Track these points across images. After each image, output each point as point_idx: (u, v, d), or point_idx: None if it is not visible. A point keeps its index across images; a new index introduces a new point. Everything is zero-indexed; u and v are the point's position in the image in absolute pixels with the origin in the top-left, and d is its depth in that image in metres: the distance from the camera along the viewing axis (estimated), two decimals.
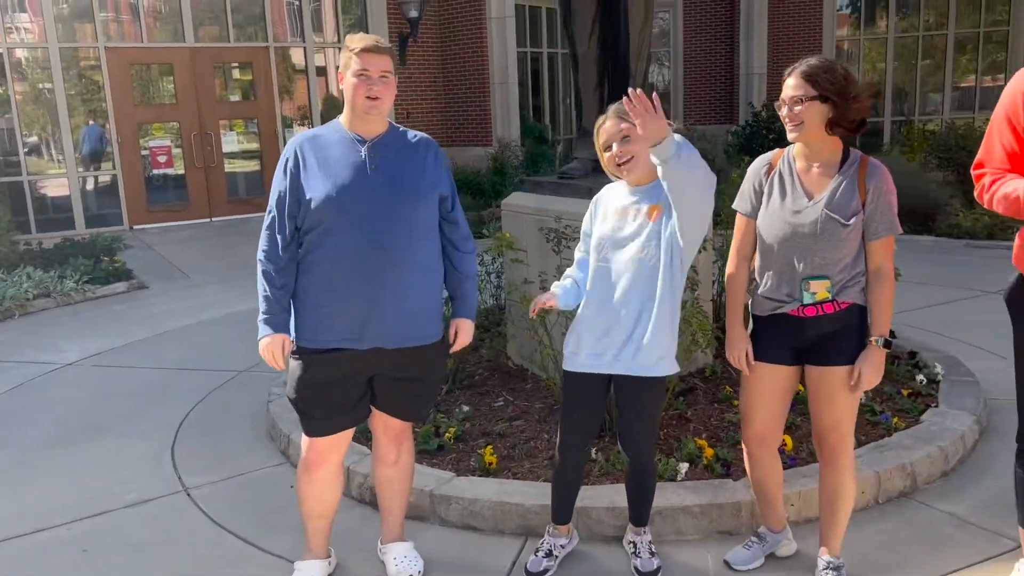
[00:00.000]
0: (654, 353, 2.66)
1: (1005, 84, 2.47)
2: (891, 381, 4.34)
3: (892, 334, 5.06)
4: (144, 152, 11.96)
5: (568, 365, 2.82)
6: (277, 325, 2.66)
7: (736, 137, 15.32)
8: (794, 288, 2.61)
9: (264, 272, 2.66)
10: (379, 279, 2.61)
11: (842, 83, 2.50)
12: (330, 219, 2.59)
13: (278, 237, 2.66)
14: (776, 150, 2.72)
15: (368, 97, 2.61)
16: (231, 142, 12.76)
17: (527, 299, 4.06)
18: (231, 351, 5.88)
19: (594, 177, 4.43)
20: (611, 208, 2.79)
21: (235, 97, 12.89)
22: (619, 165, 2.68)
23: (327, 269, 2.63)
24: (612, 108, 2.75)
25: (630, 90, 2.32)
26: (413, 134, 2.79)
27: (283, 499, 3.60)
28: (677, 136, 2.41)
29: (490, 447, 3.71)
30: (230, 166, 12.65)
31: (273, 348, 2.65)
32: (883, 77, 16.89)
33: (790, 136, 2.57)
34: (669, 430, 3.84)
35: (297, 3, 13.07)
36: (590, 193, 4.18)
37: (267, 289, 2.66)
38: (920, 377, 4.37)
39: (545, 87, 15.73)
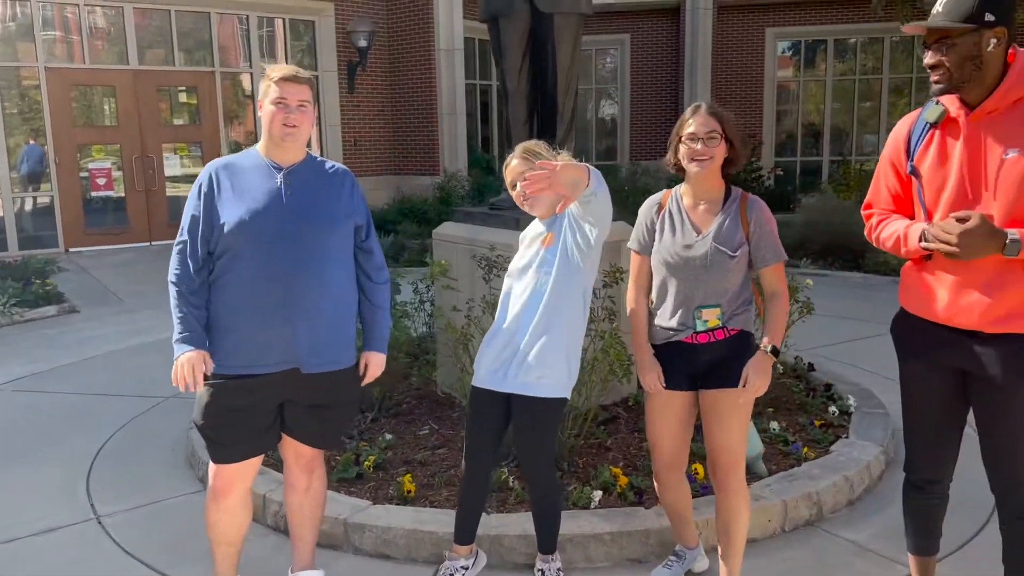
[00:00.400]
0: (534, 372, 2.75)
1: None
2: (805, 412, 4.47)
3: (811, 367, 5.31)
4: (83, 174, 11.76)
5: (473, 381, 2.93)
6: (196, 342, 2.61)
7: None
8: (687, 317, 2.73)
9: (179, 294, 2.65)
10: (291, 305, 2.62)
11: (735, 127, 2.65)
12: (242, 244, 2.61)
13: (190, 261, 2.66)
14: (664, 191, 2.85)
15: (285, 124, 2.64)
16: (174, 165, 12.62)
17: (452, 326, 4.11)
18: (159, 377, 5.77)
19: (520, 209, 4.52)
20: (525, 241, 2.90)
21: (180, 121, 12.78)
22: (524, 202, 2.79)
23: (238, 294, 2.63)
24: (518, 148, 2.87)
25: (520, 183, 2.59)
26: (331, 164, 2.83)
27: (197, 527, 3.53)
28: (582, 163, 2.51)
29: (409, 475, 3.72)
30: (172, 190, 12.49)
31: (194, 362, 2.57)
32: (823, 118, 17.46)
33: (695, 169, 2.65)
34: (588, 458, 3.90)
35: (246, 29, 13.06)
36: (517, 224, 4.30)
37: (183, 308, 2.63)
38: (833, 409, 4.51)
39: (494, 118, 15.92)
